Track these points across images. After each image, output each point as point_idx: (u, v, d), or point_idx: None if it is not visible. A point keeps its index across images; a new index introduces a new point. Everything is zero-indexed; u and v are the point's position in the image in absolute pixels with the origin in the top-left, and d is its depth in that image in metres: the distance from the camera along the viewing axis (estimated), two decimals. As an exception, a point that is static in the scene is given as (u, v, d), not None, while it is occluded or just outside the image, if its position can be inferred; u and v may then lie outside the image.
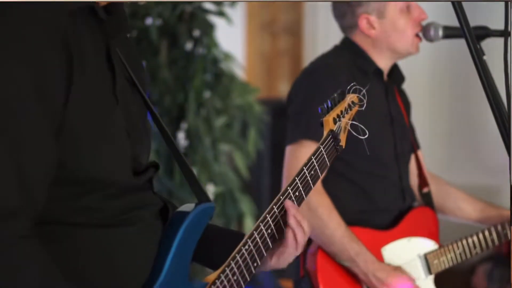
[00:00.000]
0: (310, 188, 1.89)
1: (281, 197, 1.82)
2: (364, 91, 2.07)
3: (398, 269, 2.79)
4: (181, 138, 4.29)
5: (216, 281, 1.69)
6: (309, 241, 2.80)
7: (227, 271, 1.70)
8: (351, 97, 2.04)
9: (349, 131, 2.04)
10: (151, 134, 1.77)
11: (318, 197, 2.71)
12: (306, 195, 1.87)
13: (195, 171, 4.09)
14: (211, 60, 4.26)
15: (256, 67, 6.33)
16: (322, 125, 1.97)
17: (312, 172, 1.89)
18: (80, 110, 1.56)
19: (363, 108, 2.07)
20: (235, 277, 1.71)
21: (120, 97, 1.65)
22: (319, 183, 2.71)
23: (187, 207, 1.74)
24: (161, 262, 1.66)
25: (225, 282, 1.69)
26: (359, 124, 2.04)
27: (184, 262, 1.69)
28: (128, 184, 1.66)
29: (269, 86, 6.23)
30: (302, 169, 1.87)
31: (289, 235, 1.80)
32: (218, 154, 4.28)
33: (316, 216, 2.70)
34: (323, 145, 1.94)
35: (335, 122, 1.98)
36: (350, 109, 2.04)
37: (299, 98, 2.82)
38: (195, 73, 4.19)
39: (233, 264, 1.71)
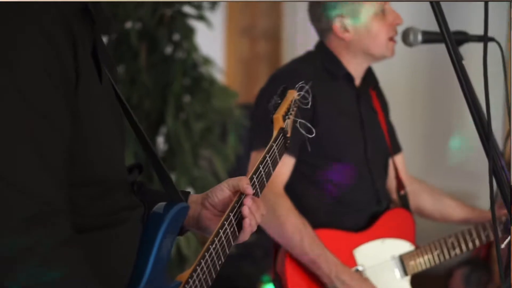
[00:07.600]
0: (264, 186, 1.95)
1: (241, 196, 1.87)
2: (307, 87, 2.10)
3: (361, 274, 2.79)
4: (161, 143, 4.28)
5: (189, 280, 1.71)
6: (279, 245, 2.81)
7: (198, 270, 1.73)
8: (292, 94, 2.09)
9: (296, 128, 2.10)
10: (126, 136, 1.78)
11: (277, 199, 2.72)
12: (261, 193, 1.94)
13: (174, 175, 4.10)
14: (191, 64, 4.26)
15: (235, 71, 6.34)
16: (272, 121, 2.03)
17: (266, 169, 1.95)
18: (83, 102, 1.54)
19: (308, 106, 2.10)
20: (204, 276, 1.74)
21: (108, 94, 1.65)
22: (280, 185, 2.73)
23: (160, 208, 1.76)
24: (143, 265, 1.67)
25: (197, 281, 1.73)
26: (306, 123, 2.11)
27: (163, 263, 1.71)
28: (120, 182, 1.66)
29: (249, 91, 6.23)
30: (258, 167, 1.93)
31: (246, 222, 1.84)
32: (198, 158, 4.28)
33: (274, 218, 2.71)
34: (275, 143, 1.99)
35: (284, 120, 2.04)
36: (295, 107, 2.10)
37: (262, 104, 2.84)
38: (174, 77, 4.19)
39: (203, 263, 1.74)
